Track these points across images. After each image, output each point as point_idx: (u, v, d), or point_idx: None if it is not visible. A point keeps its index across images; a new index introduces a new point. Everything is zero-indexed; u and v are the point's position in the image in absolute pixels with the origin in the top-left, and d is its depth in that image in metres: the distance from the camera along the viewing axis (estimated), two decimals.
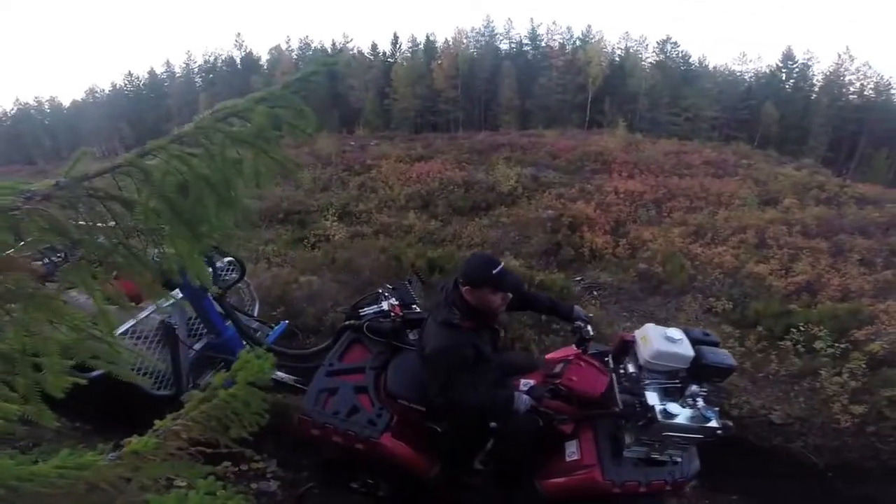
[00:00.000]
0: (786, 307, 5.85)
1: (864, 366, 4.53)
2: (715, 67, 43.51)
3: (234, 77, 44.46)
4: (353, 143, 21.84)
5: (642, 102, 37.51)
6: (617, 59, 43.25)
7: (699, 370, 2.22)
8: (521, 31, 51.22)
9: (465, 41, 44.08)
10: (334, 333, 3.02)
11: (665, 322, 5.73)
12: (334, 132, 26.35)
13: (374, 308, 2.90)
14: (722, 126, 36.22)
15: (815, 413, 4.22)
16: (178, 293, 2.85)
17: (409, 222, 9.09)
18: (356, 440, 2.44)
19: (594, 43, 41.25)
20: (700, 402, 2.13)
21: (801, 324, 5.16)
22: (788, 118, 36.24)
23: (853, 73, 39.74)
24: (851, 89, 39.78)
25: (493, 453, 2.55)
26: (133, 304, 3.26)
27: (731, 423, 2.15)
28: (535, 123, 31.30)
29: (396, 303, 2.89)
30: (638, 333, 2.37)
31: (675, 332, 2.27)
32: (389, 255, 5.87)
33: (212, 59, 48.97)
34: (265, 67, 46.37)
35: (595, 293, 6.41)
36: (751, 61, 46.96)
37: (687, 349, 2.23)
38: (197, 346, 3.09)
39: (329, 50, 47.78)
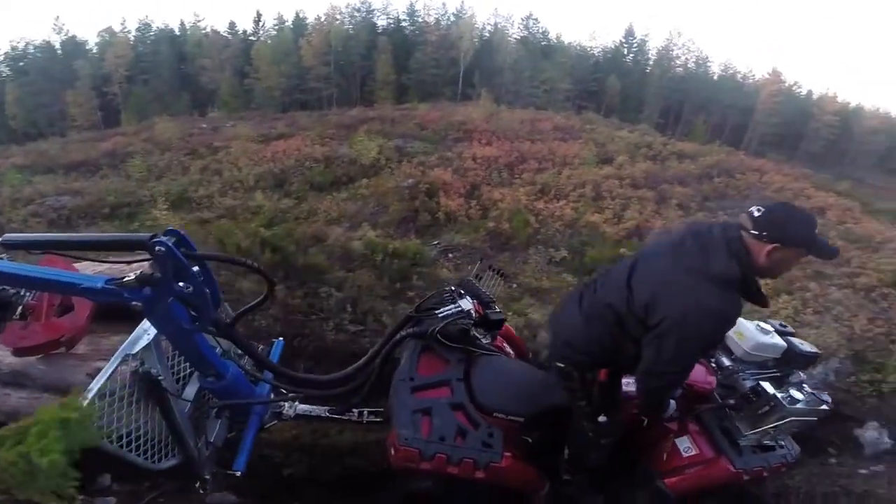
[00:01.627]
0: (616, 251, 6.43)
1: None
2: (569, 43, 47.56)
3: (53, 64, 37.62)
4: (205, 125, 19.69)
5: (507, 76, 39.38)
6: (487, 34, 44.76)
7: (790, 359, 2.29)
8: (399, 6, 50.80)
9: (338, 17, 42.67)
10: (380, 345, 2.48)
11: (515, 276, 5.98)
12: (183, 115, 23.30)
13: (450, 309, 2.44)
14: (575, 97, 39.58)
15: None
16: (146, 327, 2.00)
17: (257, 203, 8.28)
18: (475, 468, 2.06)
19: (466, 19, 42.28)
20: (807, 387, 2.20)
21: None
22: (628, 89, 41.14)
23: (680, 49, 46.51)
24: (678, 63, 46.56)
25: (573, 461, 2.39)
26: (63, 349, 2.36)
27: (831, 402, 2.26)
28: (412, 98, 31.10)
29: (475, 301, 2.50)
30: None
31: (765, 325, 2.32)
32: (215, 239, 5.16)
33: (21, 45, 40.09)
34: (94, 51, 39.65)
35: (450, 255, 6.47)
36: (599, 37, 52.42)
37: (779, 340, 2.30)
38: (189, 395, 2.28)
39: (176, 30, 42.44)
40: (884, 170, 38.72)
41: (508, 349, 2.77)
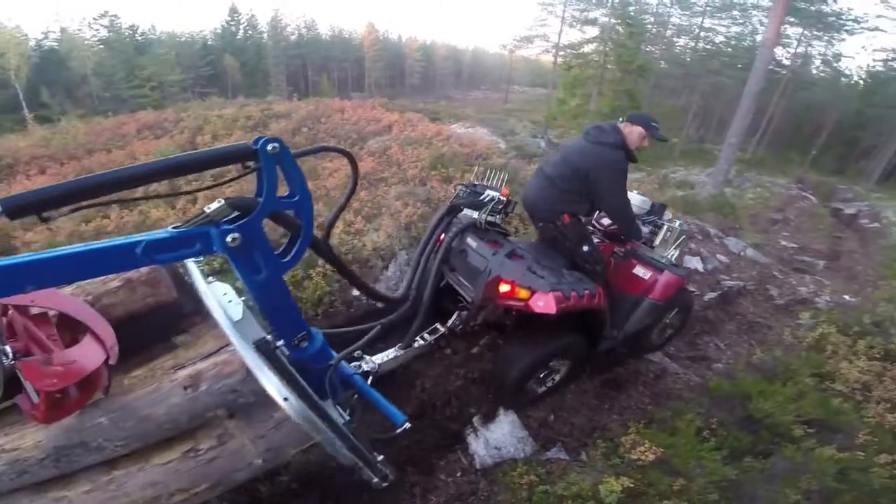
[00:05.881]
0: None
1: None
2: (168, 33, 42.52)
3: None
4: None
5: (94, 83, 32.62)
6: (55, 44, 36.02)
7: (654, 209, 3.74)
8: None
9: None
10: (424, 243, 3.14)
11: None
12: None
13: (489, 195, 3.14)
14: (192, 86, 36.72)
15: None
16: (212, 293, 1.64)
17: None
18: (592, 298, 2.81)
19: (8, 32, 31.52)
20: (666, 213, 3.78)
21: None
22: (249, 65, 40.26)
23: (288, 17, 47.68)
24: (290, 30, 47.91)
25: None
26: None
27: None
28: None
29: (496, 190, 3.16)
30: None
31: (638, 195, 3.80)
32: None
33: None
34: None
35: None
36: (201, 21, 48.66)
37: (647, 199, 3.80)
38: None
39: None
40: (460, 87, 52.11)
41: None
